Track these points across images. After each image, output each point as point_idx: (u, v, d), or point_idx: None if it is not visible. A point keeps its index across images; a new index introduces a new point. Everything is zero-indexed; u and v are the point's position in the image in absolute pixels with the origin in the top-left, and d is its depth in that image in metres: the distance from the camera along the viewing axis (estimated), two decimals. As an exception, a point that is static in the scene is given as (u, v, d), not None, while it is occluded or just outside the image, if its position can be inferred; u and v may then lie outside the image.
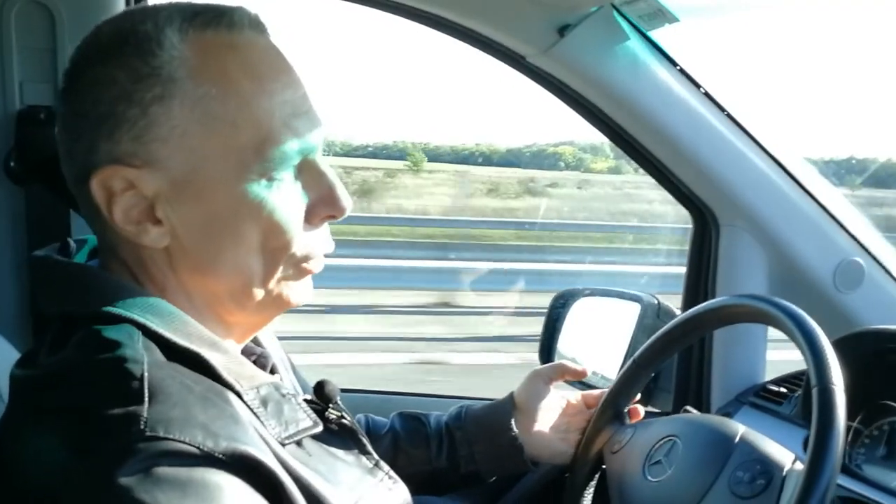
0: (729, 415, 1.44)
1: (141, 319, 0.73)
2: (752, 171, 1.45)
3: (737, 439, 1.03)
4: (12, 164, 1.37)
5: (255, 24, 0.80)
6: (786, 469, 0.96)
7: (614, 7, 1.33)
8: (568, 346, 1.69)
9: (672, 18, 1.30)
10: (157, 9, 0.77)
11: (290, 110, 0.78)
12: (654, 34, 1.38)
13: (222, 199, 0.76)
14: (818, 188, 1.48)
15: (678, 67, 1.41)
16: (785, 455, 0.99)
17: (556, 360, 1.65)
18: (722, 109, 1.43)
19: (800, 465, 0.95)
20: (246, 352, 0.91)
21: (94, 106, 0.74)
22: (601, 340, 1.62)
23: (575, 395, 1.28)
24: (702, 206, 1.53)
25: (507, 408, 1.22)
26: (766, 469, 0.96)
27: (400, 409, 1.27)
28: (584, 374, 1.26)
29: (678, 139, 1.42)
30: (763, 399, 1.44)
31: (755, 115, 1.45)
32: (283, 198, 0.78)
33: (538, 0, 1.30)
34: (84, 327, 0.74)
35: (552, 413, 1.23)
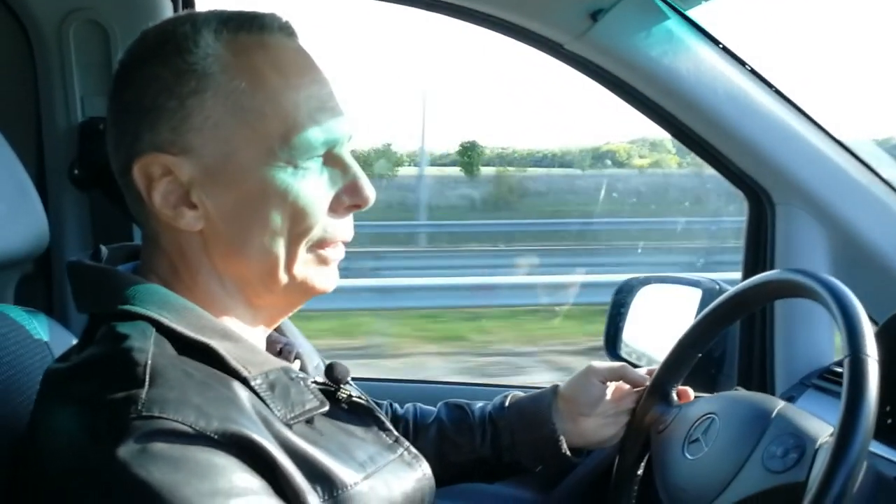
0: (792, 398, 1.39)
1: (155, 315, 0.79)
2: (806, 148, 1.40)
3: (773, 415, 1.01)
4: (76, 171, 1.47)
5: (285, 28, 0.87)
6: (819, 441, 0.93)
7: (649, -13, 1.32)
8: (633, 335, 1.68)
9: (708, -5, 1.28)
10: (196, 13, 0.85)
11: (315, 104, 0.84)
12: (693, 13, 1.36)
13: (251, 185, 0.82)
14: (877, 162, 1.42)
15: (721, 45, 1.38)
16: (820, 428, 0.96)
17: (622, 351, 1.65)
18: (770, 86, 1.39)
19: None
20: (272, 340, 0.97)
21: (140, 100, 0.82)
22: (665, 328, 1.59)
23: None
24: (755, 186, 1.48)
25: (548, 399, 1.21)
26: (800, 442, 0.94)
27: (433, 399, 1.29)
28: (642, 383, 1.23)
29: (725, 119, 1.39)
30: (827, 381, 1.39)
31: (799, 93, 1.41)
32: (308, 185, 0.84)
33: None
34: (106, 325, 0.80)
35: (598, 404, 1.22)
